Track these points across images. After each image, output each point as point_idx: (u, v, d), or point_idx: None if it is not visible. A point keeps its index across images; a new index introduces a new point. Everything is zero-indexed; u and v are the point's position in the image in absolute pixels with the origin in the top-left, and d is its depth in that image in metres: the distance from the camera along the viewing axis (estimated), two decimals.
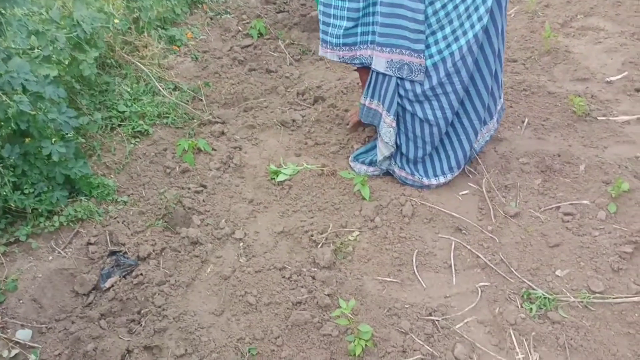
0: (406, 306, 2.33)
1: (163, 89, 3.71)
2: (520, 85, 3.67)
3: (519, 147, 3.15)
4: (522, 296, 2.32)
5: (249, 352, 2.18)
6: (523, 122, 3.35)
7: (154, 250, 2.56)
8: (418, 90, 2.62)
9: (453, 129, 2.79)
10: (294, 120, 3.50)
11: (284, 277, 2.45)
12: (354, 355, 2.10)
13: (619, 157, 3.04)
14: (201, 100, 3.74)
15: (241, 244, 2.65)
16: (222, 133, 3.43)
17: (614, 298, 2.29)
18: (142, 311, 2.35)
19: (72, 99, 3.28)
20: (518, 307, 2.29)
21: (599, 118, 3.34)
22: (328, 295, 2.34)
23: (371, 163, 2.99)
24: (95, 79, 3.46)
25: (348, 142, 3.28)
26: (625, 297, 2.30)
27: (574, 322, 2.21)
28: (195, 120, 3.55)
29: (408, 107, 2.69)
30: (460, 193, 2.88)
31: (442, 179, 2.87)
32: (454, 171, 2.88)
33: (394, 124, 2.74)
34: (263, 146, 3.33)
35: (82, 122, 3.12)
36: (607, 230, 2.60)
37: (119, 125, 3.39)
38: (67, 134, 2.80)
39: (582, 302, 2.28)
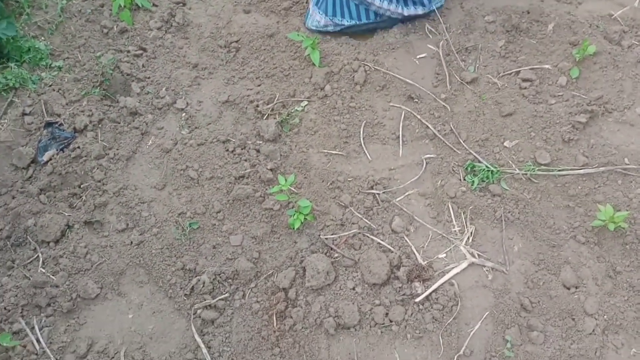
0: (349, 179, 2.31)
1: None
2: None
3: (487, 2, 2.89)
4: (466, 169, 2.29)
5: (190, 226, 2.19)
6: None
7: (90, 122, 2.45)
8: None
9: None
10: None
11: (227, 150, 2.39)
12: (294, 228, 2.12)
13: (592, 14, 2.81)
14: None
15: (183, 114, 2.53)
16: None
17: (558, 170, 2.27)
18: (83, 185, 2.31)
19: None
20: (460, 179, 2.27)
21: None
22: (271, 169, 2.30)
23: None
24: None
25: None
26: (571, 169, 2.28)
27: (514, 195, 2.22)
28: None
29: None
30: (418, 56, 2.71)
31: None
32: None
33: None
34: (209, 1, 3.02)
35: None
36: (565, 98, 2.50)
37: None
38: None
39: (526, 174, 2.26)
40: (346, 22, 2.72)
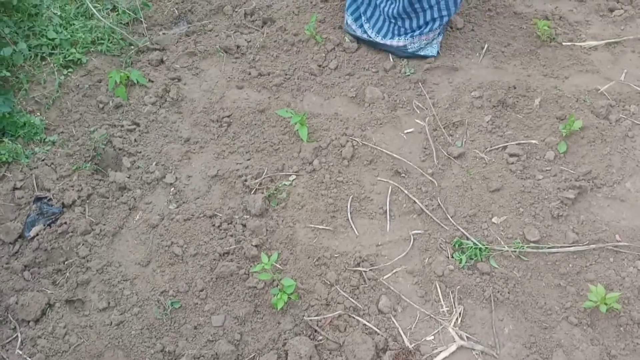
0: (335, 255, 2.28)
1: (98, 10, 3.39)
2: (485, 5, 3.38)
3: (474, 77, 2.96)
4: (454, 245, 2.26)
5: (172, 305, 2.15)
6: (482, 48, 3.11)
7: (79, 197, 2.46)
8: None
9: None
10: (238, 47, 3.24)
11: (213, 225, 2.38)
12: (277, 308, 2.07)
13: (579, 89, 2.86)
14: (141, 22, 3.44)
15: (172, 189, 2.54)
16: (161, 61, 3.20)
17: (548, 248, 2.24)
18: (67, 262, 2.29)
19: None
20: (448, 257, 2.24)
21: (564, 43, 3.11)
22: (256, 245, 2.28)
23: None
24: (18, 2, 3.14)
25: (294, 72, 3.07)
26: (561, 247, 2.24)
27: (503, 274, 2.18)
28: (132, 47, 3.28)
29: None
30: (406, 131, 2.74)
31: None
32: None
33: None
34: (204, 77, 3.11)
35: (3, 54, 2.88)
36: (553, 173, 2.50)
37: (50, 55, 3.14)
38: None
39: (515, 251, 2.23)
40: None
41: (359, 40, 3.14)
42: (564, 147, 2.57)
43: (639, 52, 3.03)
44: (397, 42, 3.00)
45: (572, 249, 2.22)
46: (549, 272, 2.17)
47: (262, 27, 3.41)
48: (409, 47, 3.00)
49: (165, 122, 2.85)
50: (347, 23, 3.17)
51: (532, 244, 2.24)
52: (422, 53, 3.02)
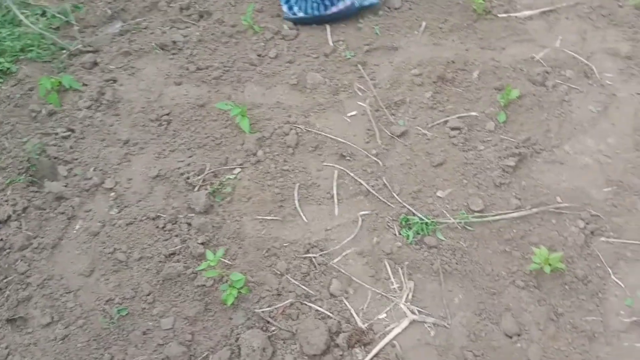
0: (285, 245, 2.26)
1: (27, 16, 3.25)
2: None
3: (413, 55, 2.96)
4: (401, 222, 2.27)
5: (118, 313, 2.09)
6: (420, 26, 3.12)
7: (14, 211, 2.36)
8: None
9: None
10: (174, 42, 3.17)
11: (157, 227, 2.32)
12: (228, 304, 2.03)
13: (516, 58, 2.90)
14: (73, 25, 3.32)
15: (112, 194, 2.47)
16: (95, 64, 3.09)
17: (492, 216, 2.26)
18: (6, 280, 2.20)
19: None
20: (396, 234, 2.24)
21: (499, 15, 3.14)
22: (202, 243, 2.23)
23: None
24: None
25: (233, 64, 3.01)
26: (504, 213, 2.27)
27: (450, 245, 2.19)
28: (64, 52, 3.16)
29: None
30: (349, 114, 2.73)
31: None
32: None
33: None
34: (140, 76, 3.03)
35: None
36: (494, 143, 2.53)
37: None
38: None
39: (460, 222, 2.25)
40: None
41: (303, 23, 3.10)
42: (503, 117, 2.60)
43: (573, 19, 3.08)
44: (343, 4, 2.98)
45: (515, 214, 2.25)
46: (494, 240, 2.20)
47: (199, 20, 3.34)
48: (356, 2, 3.03)
49: (102, 125, 2.76)
50: (285, 12, 3.14)
51: (476, 214, 2.26)
52: (366, 3, 3.07)
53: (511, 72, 2.81)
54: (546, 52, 2.89)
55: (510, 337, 1.95)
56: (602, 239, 2.20)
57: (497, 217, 2.25)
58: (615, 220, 2.25)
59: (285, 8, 3.16)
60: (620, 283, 2.09)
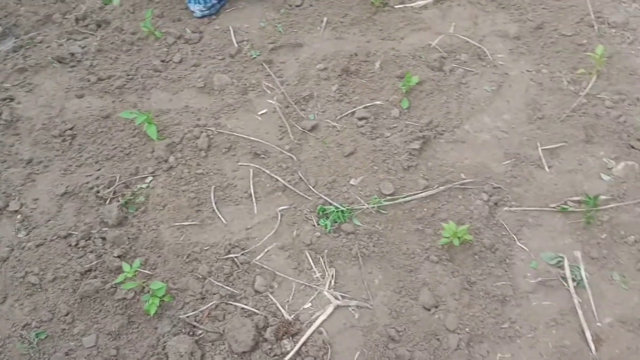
0: (205, 248, 2.25)
1: None
2: None
3: (318, 51, 3.03)
4: (318, 213, 2.33)
5: (37, 337, 2.01)
6: (322, 21, 3.20)
7: None
8: None
9: None
10: (72, 55, 3.05)
11: (70, 245, 2.24)
12: (151, 314, 2.00)
13: (414, 47, 3.04)
14: None
15: (18, 216, 2.35)
16: None
17: (403, 198, 2.37)
18: None
19: None
20: (314, 225, 2.30)
21: (396, 6, 3.28)
22: (118, 256, 2.18)
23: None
24: None
25: (137, 72, 2.95)
26: (414, 194, 2.39)
27: (367, 229, 2.28)
28: None
29: None
30: (259, 112, 2.75)
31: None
32: None
33: None
34: (39, 92, 2.90)
35: None
36: (399, 129, 2.64)
37: None
38: None
39: (374, 207, 2.34)
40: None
41: (210, 14, 3.19)
42: (406, 103, 2.73)
43: (464, 5, 3.27)
44: None
45: (424, 194, 2.37)
46: (407, 220, 2.31)
47: (97, 30, 3.24)
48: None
49: (2, 147, 2.62)
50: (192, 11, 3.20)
51: (388, 197, 2.36)
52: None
53: (411, 60, 2.94)
54: (441, 38, 3.05)
55: (429, 310, 2.06)
56: (505, 208, 2.36)
57: (408, 199, 2.36)
58: (515, 190, 2.42)
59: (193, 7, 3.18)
60: (524, 248, 2.25)
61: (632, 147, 2.50)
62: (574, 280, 2.10)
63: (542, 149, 2.53)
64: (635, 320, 2.00)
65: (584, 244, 2.21)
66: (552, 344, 1.96)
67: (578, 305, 2.04)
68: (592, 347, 1.94)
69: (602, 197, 2.32)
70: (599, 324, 2.00)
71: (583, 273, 2.13)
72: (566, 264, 2.15)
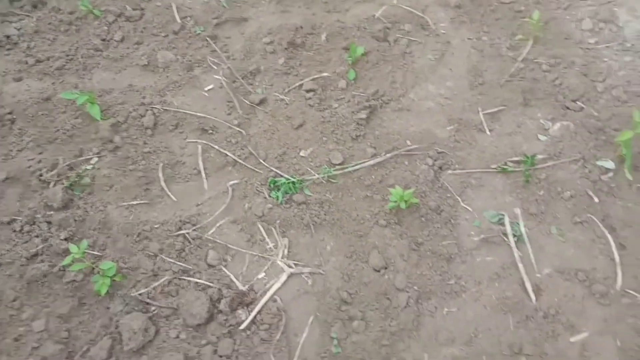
0: (156, 226, 2.24)
1: None
2: None
3: (263, 25, 3.02)
4: (269, 185, 2.34)
5: None
6: None
7: None
8: None
9: None
10: (8, 37, 2.93)
11: (14, 230, 2.18)
12: (102, 294, 1.99)
13: (359, 18, 3.06)
14: None
15: None
16: None
17: (352, 166, 2.41)
18: None
19: None
20: (266, 197, 2.31)
21: None
22: (65, 239, 2.14)
23: None
24: None
25: (77, 52, 2.86)
26: (362, 162, 2.43)
27: (317, 199, 2.31)
28: None
29: None
30: (206, 88, 2.73)
31: None
32: None
33: None
34: None
35: None
36: (347, 100, 2.67)
37: None
38: None
39: (324, 177, 2.37)
40: None
41: None
42: (353, 74, 2.75)
43: None
44: None
45: (372, 162, 2.42)
46: (356, 188, 2.35)
47: (33, 11, 3.12)
48: None
49: None
50: None
51: (337, 167, 2.40)
52: None
53: (356, 32, 2.96)
54: (385, 9, 3.08)
55: (379, 271, 2.12)
56: (449, 171, 2.44)
57: (357, 167, 2.40)
58: (458, 154, 2.50)
59: None
60: (468, 208, 2.33)
61: (568, 107, 2.61)
62: (514, 235, 2.20)
63: (483, 114, 2.61)
64: (572, 270, 2.12)
65: (523, 201, 2.31)
66: (495, 296, 2.06)
67: (518, 259, 2.14)
68: (533, 297, 2.05)
69: (540, 156, 2.43)
70: (538, 275, 2.11)
71: (523, 228, 2.23)
72: (507, 220, 2.24)
